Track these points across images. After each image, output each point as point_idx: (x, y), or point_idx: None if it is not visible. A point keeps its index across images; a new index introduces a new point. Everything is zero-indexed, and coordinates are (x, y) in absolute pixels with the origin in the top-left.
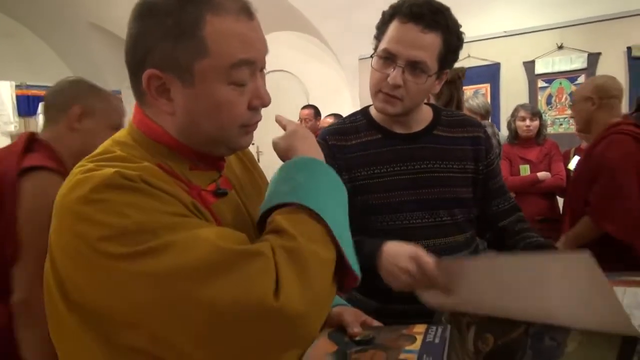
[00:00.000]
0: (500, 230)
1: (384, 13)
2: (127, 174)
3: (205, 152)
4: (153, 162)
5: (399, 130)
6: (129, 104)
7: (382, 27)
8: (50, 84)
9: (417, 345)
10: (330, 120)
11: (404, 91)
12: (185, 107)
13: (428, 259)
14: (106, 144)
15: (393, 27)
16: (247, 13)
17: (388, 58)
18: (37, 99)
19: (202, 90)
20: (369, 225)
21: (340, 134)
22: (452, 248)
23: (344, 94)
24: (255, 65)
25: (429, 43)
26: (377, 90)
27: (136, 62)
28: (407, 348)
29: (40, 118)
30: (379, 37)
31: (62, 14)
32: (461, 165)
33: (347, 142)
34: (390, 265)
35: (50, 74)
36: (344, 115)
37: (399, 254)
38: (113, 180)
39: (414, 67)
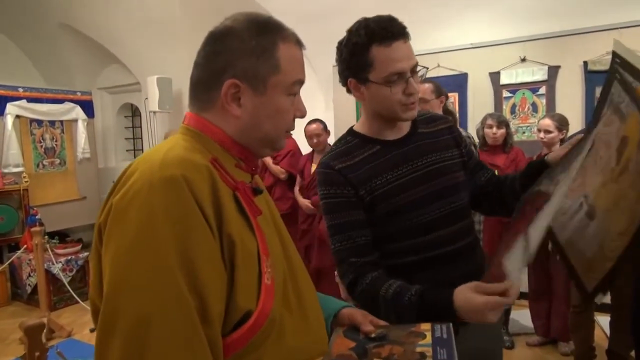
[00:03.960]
0: (496, 190)
1: (355, 44)
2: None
3: (252, 152)
4: (208, 158)
5: (392, 137)
6: (99, 104)
7: (359, 57)
8: (18, 85)
9: (427, 340)
10: (315, 126)
11: (417, 94)
12: (252, 112)
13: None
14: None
15: (383, 52)
16: (300, 44)
17: (399, 78)
18: (5, 99)
19: (269, 98)
20: (397, 225)
21: (343, 156)
22: (468, 230)
23: (318, 98)
24: (302, 84)
25: (411, 47)
26: (402, 105)
27: (213, 74)
28: (420, 343)
29: (8, 118)
30: (361, 66)
31: (31, 14)
32: (449, 153)
33: (351, 161)
34: (474, 315)
35: (18, 74)
36: (321, 119)
37: (471, 304)
38: None
39: (413, 71)
